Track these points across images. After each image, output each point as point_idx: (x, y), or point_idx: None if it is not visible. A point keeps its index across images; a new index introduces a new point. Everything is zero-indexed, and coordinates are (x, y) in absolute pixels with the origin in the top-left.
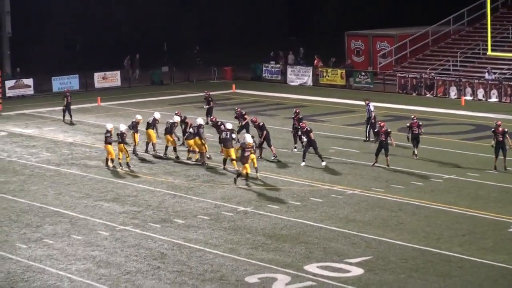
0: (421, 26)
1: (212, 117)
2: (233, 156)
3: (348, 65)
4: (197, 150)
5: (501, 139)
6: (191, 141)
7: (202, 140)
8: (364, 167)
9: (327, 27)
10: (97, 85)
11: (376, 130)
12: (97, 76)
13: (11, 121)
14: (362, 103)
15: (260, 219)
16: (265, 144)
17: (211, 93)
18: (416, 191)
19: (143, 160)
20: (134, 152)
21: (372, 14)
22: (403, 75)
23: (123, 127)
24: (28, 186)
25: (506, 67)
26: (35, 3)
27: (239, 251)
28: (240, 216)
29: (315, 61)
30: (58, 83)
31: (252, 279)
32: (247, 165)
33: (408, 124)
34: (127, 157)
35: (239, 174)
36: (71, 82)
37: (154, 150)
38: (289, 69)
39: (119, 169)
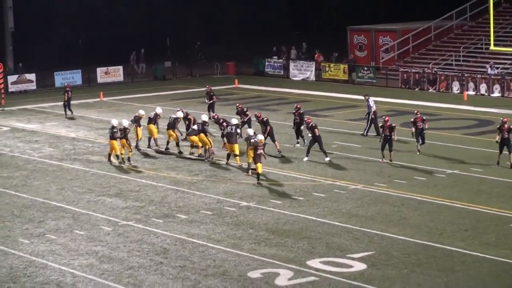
0: (423, 21)
1: (214, 114)
2: (237, 152)
3: (351, 60)
4: (200, 145)
5: (506, 136)
6: (194, 137)
7: (208, 137)
8: (366, 162)
9: (329, 22)
10: (99, 80)
11: (381, 124)
12: (100, 71)
13: (14, 116)
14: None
15: (263, 214)
16: (268, 140)
17: (213, 88)
18: (418, 186)
19: (145, 155)
20: (137, 147)
21: (375, 9)
22: (405, 70)
23: (126, 123)
24: (30, 181)
25: (509, 61)
26: None
27: (242, 246)
28: (242, 211)
29: (316, 55)
30: (61, 78)
31: (254, 274)
32: (259, 164)
33: (412, 119)
34: (129, 152)
35: (258, 174)
36: (74, 77)
37: (156, 145)
38: (291, 64)
39: (123, 165)
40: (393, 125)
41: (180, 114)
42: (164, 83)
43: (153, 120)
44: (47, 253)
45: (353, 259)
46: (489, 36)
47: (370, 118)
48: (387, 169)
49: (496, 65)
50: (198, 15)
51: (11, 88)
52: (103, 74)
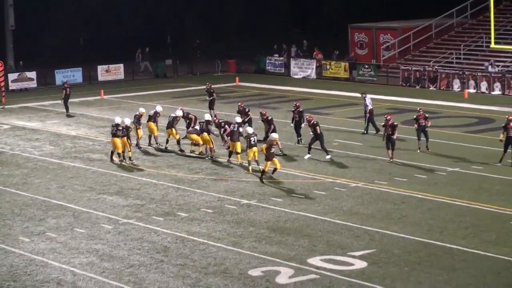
0: (424, 18)
1: (215, 117)
2: (239, 150)
3: (352, 58)
4: (201, 143)
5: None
6: (195, 136)
7: (211, 137)
8: (367, 160)
9: (330, 20)
10: (100, 78)
11: (383, 123)
12: (101, 69)
13: (14, 114)
14: None
15: (264, 212)
16: None
17: (214, 86)
18: (419, 184)
19: (146, 153)
20: (138, 145)
21: (375, 6)
22: (406, 67)
23: (127, 121)
24: (31, 179)
25: (509, 59)
26: None
27: (243, 244)
28: (243, 209)
29: (314, 53)
30: (61, 76)
31: (255, 272)
32: (269, 162)
33: (414, 117)
34: (129, 150)
35: (263, 172)
36: (74, 75)
37: (156, 143)
38: (292, 62)
39: (124, 163)
40: (395, 123)
41: (179, 113)
42: (165, 81)
43: (152, 118)
44: (48, 251)
45: (353, 257)
46: (490, 34)
47: (366, 116)
48: (387, 167)
49: (496, 63)
50: (198, 14)
51: (12, 86)
52: (103, 72)
